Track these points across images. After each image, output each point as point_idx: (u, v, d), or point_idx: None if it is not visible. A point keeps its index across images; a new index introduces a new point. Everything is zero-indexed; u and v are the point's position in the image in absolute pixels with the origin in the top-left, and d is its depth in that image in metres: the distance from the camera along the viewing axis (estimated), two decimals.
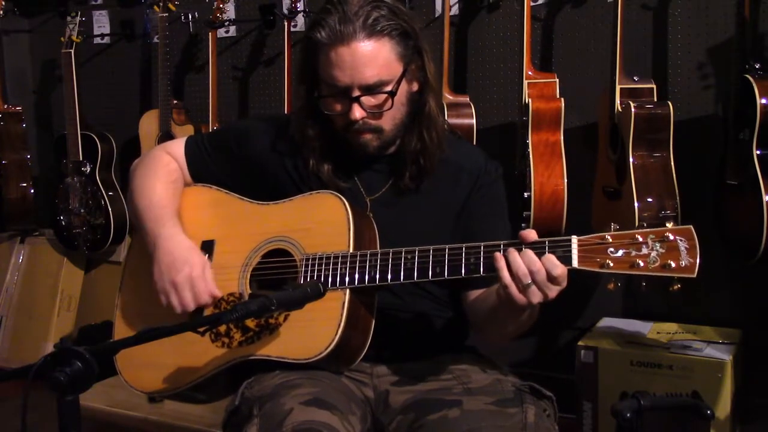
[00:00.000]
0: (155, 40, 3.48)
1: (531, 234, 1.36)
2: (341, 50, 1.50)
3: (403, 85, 1.56)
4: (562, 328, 2.94)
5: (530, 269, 1.31)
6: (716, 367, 2.36)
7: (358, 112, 1.53)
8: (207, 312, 1.63)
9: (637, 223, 2.35)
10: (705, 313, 2.66)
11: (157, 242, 1.63)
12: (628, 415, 1.45)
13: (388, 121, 1.57)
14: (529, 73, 2.61)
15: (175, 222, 1.67)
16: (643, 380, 2.40)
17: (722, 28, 2.61)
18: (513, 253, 1.34)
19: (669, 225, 1.30)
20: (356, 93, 1.52)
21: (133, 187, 1.75)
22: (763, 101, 2.25)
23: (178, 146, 1.79)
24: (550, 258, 1.31)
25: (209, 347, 1.59)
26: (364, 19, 1.49)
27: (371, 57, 1.50)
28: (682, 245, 1.28)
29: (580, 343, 2.56)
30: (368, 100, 1.54)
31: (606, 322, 2.76)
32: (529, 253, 1.32)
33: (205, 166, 1.76)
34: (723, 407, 2.36)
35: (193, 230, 1.70)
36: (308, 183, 1.67)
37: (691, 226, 1.29)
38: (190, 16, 3.42)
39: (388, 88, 1.53)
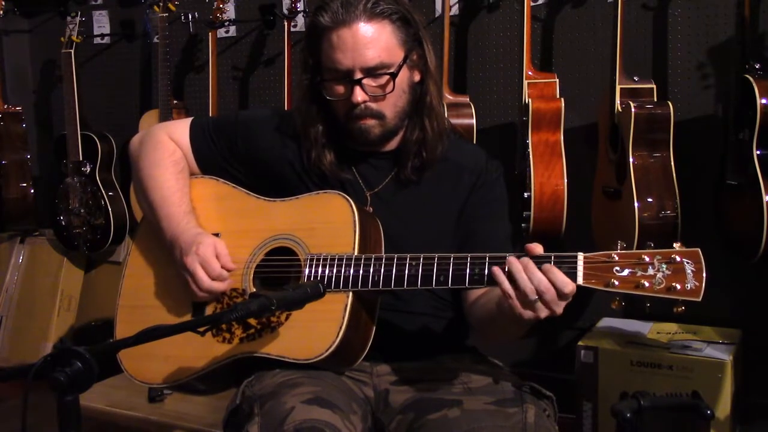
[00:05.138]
0: (155, 40, 3.48)
1: (537, 248, 1.34)
2: (343, 32, 1.51)
3: (405, 73, 1.57)
4: (562, 328, 2.94)
5: (538, 289, 1.29)
6: (716, 367, 2.36)
7: (360, 96, 1.54)
8: (209, 308, 1.63)
9: (637, 224, 2.36)
10: (705, 313, 2.66)
11: (176, 241, 1.64)
12: (628, 415, 1.46)
13: (389, 107, 1.58)
14: (529, 73, 2.61)
15: (189, 216, 1.67)
16: (643, 380, 2.40)
17: (722, 28, 2.61)
18: (516, 266, 1.31)
19: (676, 246, 1.29)
20: (358, 75, 1.54)
21: (141, 177, 1.74)
22: (763, 101, 2.25)
23: (182, 132, 1.76)
24: (558, 275, 1.29)
25: (211, 342, 1.59)
26: (365, 3, 1.52)
27: (373, 39, 1.52)
28: (689, 268, 1.27)
29: (580, 343, 2.56)
30: (370, 83, 1.55)
31: (606, 322, 2.76)
32: (537, 273, 1.29)
33: (212, 157, 1.75)
34: (723, 407, 2.35)
35: (200, 222, 1.70)
36: (310, 175, 1.67)
37: (699, 249, 1.28)
38: (190, 16, 3.42)
39: (391, 70, 1.54)
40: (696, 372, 2.37)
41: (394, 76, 1.55)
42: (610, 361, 2.48)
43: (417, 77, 1.62)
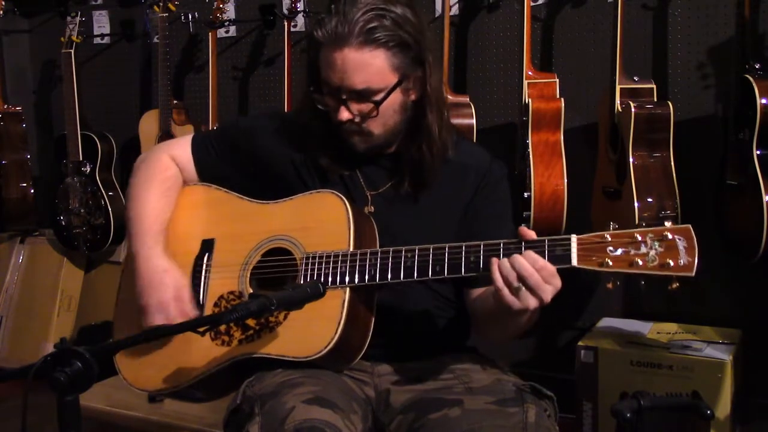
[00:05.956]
0: (155, 40, 3.48)
1: (530, 233, 1.37)
2: (333, 53, 1.51)
3: (397, 95, 1.56)
4: (562, 328, 2.94)
5: (520, 274, 1.32)
6: (716, 367, 2.36)
7: (344, 115, 1.55)
8: (207, 311, 1.63)
9: (637, 224, 2.36)
10: (705, 313, 2.66)
11: (136, 260, 1.66)
12: (628, 415, 1.45)
13: (377, 126, 1.58)
14: (529, 73, 2.61)
15: (157, 240, 1.68)
16: (643, 380, 2.40)
17: (722, 28, 2.61)
18: (503, 260, 1.35)
19: (668, 224, 1.30)
20: (344, 96, 1.54)
21: (129, 192, 1.76)
22: (763, 101, 2.25)
23: (183, 147, 1.78)
24: (531, 254, 1.33)
25: (209, 345, 1.59)
26: (361, 26, 1.48)
27: (361, 64, 1.50)
28: (681, 244, 1.28)
29: (580, 343, 2.56)
30: (355, 105, 1.55)
31: (606, 322, 2.76)
32: (520, 259, 1.33)
33: (214, 165, 1.76)
34: (723, 407, 2.36)
35: (194, 229, 1.71)
36: (312, 175, 1.68)
37: (690, 226, 1.30)
38: (190, 16, 3.42)
39: (377, 97, 1.53)
40: (696, 372, 2.37)
41: (377, 104, 1.53)
42: (610, 361, 2.49)
43: (413, 97, 1.60)
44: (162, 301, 1.61)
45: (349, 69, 1.51)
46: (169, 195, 1.74)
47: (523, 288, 1.33)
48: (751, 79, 2.28)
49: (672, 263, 1.28)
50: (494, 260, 1.36)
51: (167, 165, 1.76)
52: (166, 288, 1.61)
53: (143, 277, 1.64)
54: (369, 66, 1.51)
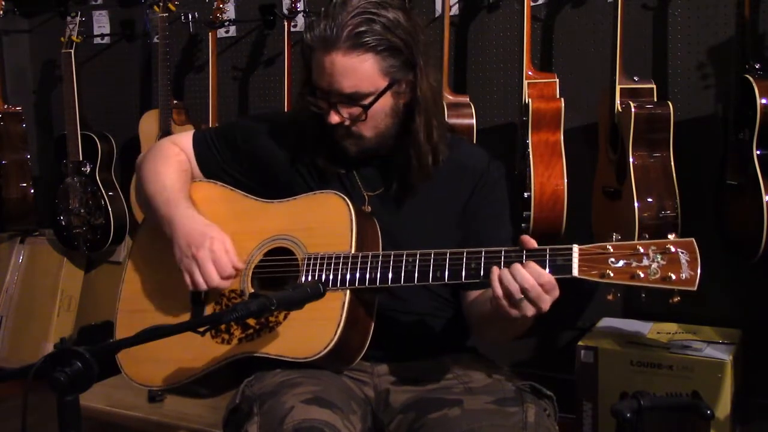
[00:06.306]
0: (155, 40, 3.48)
1: (531, 242, 1.38)
2: (323, 57, 1.51)
3: (387, 99, 1.55)
4: (562, 328, 2.94)
5: (522, 286, 1.33)
6: (716, 367, 2.36)
7: (333, 118, 1.55)
8: (209, 308, 1.64)
9: (637, 224, 2.36)
10: (705, 313, 2.66)
11: (173, 223, 1.63)
12: (628, 415, 1.46)
13: (368, 130, 1.58)
14: (529, 73, 2.61)
15: (189, 203, 1.67)
16: (643, 380, 2.40)
17: (722, 28, 2.61)
18: (504, 271, 1.35)
19: (671, 237, 1.30)
20: (334, 99, 1.54)
21: (143, 175, 1.75)
22: (763, 101, 2.25)
23: (186, 139, 1.79)
24: (534, 267, 1.34)
25: (210, 343, 1.59)
26: (349, 30, 1.48)
27: (349, 69, 1.50)
28: (683, 258, 1.28)
29: (580, 343, 2.56)
30: (344, 108, 1.55)
31: (606, 322, 2.76)
32: (522, 271, 1.34)
33: (214, 160, 1.76)
34: (723, 407, 2.36)
35: None
36: (312, 175, 1.68)
37: (693, 239, 1.30)
38: (190, 16, 3.42)
39: (366, 101, 1.53)
40: (696, 372, 2.37)
41: (365, 108, 1.53)
42: (610, 361, 2.49)
43: (404, 101, 1.59)
44: (212, 250, 1.57)
45: (338, 73, 1.50)
46: (186, 175, 1.74)
47: (524, 299, 1.34)
48: (751, 79, 2.28)
49: (674, 277, 1.28)
50: (495, 269, 1.37)
51: (178, 151, 1.77)
52: (214, 238, 1.59)
53: (187, 233, 1.60)
54: (357, 70, 1.50)
